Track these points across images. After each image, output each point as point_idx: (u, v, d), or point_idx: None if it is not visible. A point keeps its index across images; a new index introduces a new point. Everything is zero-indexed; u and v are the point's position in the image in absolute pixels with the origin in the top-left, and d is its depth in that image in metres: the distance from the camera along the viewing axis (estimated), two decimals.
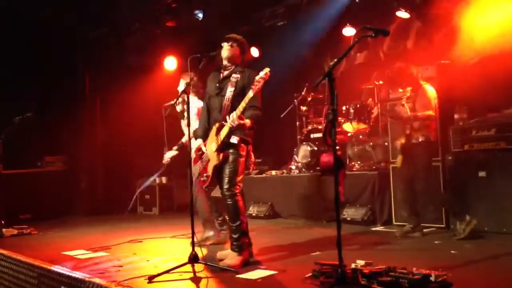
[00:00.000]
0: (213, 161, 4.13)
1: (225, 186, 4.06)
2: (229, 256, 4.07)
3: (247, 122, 3.98)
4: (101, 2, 7.87)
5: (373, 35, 3.24)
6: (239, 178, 4.10)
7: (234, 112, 3.93)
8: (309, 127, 7.65)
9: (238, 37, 4.27)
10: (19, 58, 8.22)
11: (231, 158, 4.08)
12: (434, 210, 5.37)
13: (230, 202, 4.06)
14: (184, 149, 5.39)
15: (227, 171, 4.06)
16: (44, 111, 7.46)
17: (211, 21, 8.38)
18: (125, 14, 8.39)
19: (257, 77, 3.88)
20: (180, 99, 4.92)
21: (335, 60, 3.21)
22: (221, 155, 4.07)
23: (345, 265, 3.09)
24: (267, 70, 3.90)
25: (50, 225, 7.10)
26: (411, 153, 5.12)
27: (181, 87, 5.26)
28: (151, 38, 9.06)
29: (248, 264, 4.05)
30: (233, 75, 4.16)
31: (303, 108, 7.87)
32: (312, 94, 7.81)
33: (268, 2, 8.32)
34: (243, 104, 3.92)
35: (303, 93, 7.84)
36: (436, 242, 4.85)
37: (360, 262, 3.46)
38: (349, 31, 7.77)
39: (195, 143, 4.35)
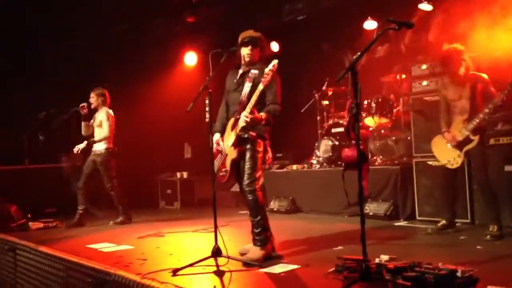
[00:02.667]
0: (231, 155, 4.15)
1: (245, 182, 4.07)
2: (251, 250, 4.09)
3: (261, 115, 3.97)
4: None
5: (396, 27, 3.21)
6: (258, 173, 4.11)
7: (247, 107, 3.95)
8: (330, 122, 7.61)
9: (256, 38, 4.24)
10: (45, 54, 8.35)
11: (248, 154, 4.09)
12: (460, 205, 5.28)
13: (251, 198, 4.07)
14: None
15: (245, 167, 4.08)
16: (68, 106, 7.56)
17: (231, 16, 8.39)
18: (145, 10, 8.44)
19: (266, 70, 3.88)
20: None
21: (358, 53, 3.18)
22: (237, 149, 4.09)
23: (369, 260, 3.08)
24: (274, 62, 3.90)
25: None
26: (485, 154, 4.79)
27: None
28: (171, 34, 9.11)
29: (271, 258, 4.06)
30: (252, 71, 4.17)
31: (324, 102, 7.83)
32: (333, 88, 7.77)
33: None
34: (254, 98, 3.92)
35: (324, 87, 7.81)
36: (462, 237, 4.79)
37: (384, 257, 3.44)
38: (370, 24, 7.70)
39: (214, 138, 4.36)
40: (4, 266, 5.44)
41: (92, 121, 6.85)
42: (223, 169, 4.24)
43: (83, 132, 6.85)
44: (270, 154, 4.25)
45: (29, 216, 6.49)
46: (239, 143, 4.10)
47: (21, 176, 7.59)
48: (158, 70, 9.08)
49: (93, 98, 6.81)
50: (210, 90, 3.99)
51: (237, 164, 4.17)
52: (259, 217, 4.09)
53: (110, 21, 8.50)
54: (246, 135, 4.06)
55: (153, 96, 8.85)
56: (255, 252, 4.04)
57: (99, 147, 6.70)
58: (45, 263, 4.53)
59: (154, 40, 9.26)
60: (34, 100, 8.22)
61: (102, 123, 6.71)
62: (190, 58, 9.33)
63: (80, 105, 6.67)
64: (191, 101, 4.00)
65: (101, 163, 6.64)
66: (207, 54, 4.16)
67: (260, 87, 3.88)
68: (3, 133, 7.98)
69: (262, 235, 4.08)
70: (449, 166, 4.85)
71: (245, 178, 4.07)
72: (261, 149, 4.13)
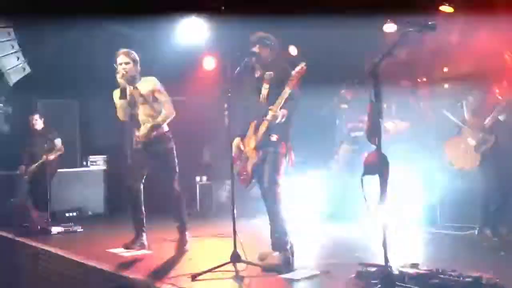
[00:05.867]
0: (252, 159, 4.11)
1: (267, 186, 4.01)
2: (271, 256, 4.04)
3: (284, 112, 3.92)
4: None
5: (419, 30, 3.16)
6: (280, 176, 4.04)
7: (272, 106, 3.89)
8: (350, 126, 7.53)
9: (264, 37, 4.20)
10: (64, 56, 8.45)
11: (271, 156, 4.03)
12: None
13: (272, 201, 4.00)
14: None
15: (267, 170, 4.02)
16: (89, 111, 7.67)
17: (250, 20, 8.38)
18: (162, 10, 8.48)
19: (292, 72, 3.84)
20: None
21: (380, 56, 3.14)
22: (260, 152, 4.04)
23: (390, 266, 3.02)
24: (302, 64, 3.87)
25: (95, 222, 7.27)
26: None
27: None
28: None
29: (290, 263, 4.00)
30: (267, 72, 4.12)
31: (343, 106, 7.76)
32: (352, 91, 7.70)
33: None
34: (280, 101, 3.88)
35: (343, 90, 7.74)
36: (485, 244, 4.68)
37: (406, 264, 3.38)
38: (389, 27, 7.62)
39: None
40: (25, 270, 5.50)
41: None
42: (244, 173, 4.20)
43: None
44: (293, 157, 4.17)
45: (49, 220, 6.56)
46: (262, 145, 4.06)
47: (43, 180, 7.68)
48: (176, 73, 9.10)
49: None
50: (229, 94, 3.98)
51: (258, 168, 4.11)
52: (279, 221, 4.03)
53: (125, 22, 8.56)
54: (270, 138, 4.01)
55: (172, 100, 8.88)
56: (275, 257, 3.98)
57: None
58: (65, 267, 4.57)
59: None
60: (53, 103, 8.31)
61: None
62: (209, 63, 9.34)
63: None
64: (209, 105, 3.99)
65: None
66: (226, 58, 4.16)
67: (287, 90, 3.85)
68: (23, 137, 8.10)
69: (282, 240, 4.03)
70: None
71: (266, 181, 4.00)
72: (284, 151, 4.06)
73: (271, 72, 4.08)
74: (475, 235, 4.84)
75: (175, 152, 5.11)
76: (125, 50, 4.88)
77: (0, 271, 6.20)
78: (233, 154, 4.25)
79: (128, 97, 4.84)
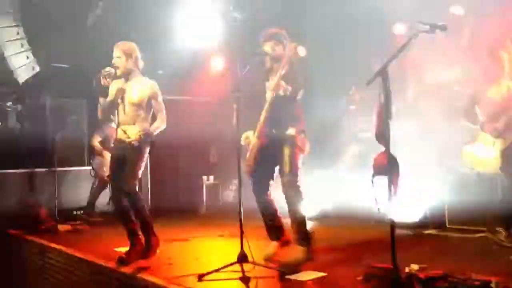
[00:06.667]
0: (257, 145, 4.05)
1: (288, 178, 3.97)
2: (295, 250, 3.98)
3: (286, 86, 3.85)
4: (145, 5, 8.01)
5: (429, 30, 3.13)
6: (299, 169, 4.02)
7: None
8: (358, 126, 7.51)
9: (275, 33, 4.18)
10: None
11: (288, 150, 4.00)
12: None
13: (294, 193, 3.98)
14: None
15: (286, 163, 3.98)
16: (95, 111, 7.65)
17: (258, 21, 8.37)
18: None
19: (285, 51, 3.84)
20: None
21: (390, 57, 3.12)
22: (264, 138, 4.00)
23: (398, 269, 3.00)
24: (294, 44, 3.89)
25: (102, 221, 7.28)
26: None
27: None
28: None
29: (310, 259, 3.94)
30: (275, 64, 4.11)
31: (352, 107, 7.74)
32: (360, 92, 7.67)
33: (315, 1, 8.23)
34: (278, 76, 3.83)
35: (351, 91, 7.72)
36: (494, 247, 4.63)
37: (415, 267, 3.35)
38: (399, 28, 7.58)
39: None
40: (33, 268, 5.52)
41: None
42: (248, 163, 4.13)
43: None
44: (307, 148, 4.13)
45: (57, 219, 6.59)
46: (266, 131, 3.99)
47: (50, 178, 7.72)
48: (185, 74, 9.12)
49: None
50: (239, 95, 3.97)
51: (275, 161, 4.06)
52: (301, 214, 3.99)
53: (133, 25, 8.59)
54: (288, 132, 3.98)
55: (178, 100, 8.89)
56: (299, 251, 3.93)
57: None
58: (73, 266, 4.58)
59: None
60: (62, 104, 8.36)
61: None
62: (217, 63, 9.35)
63: None
64: (217, 105, 3.99)
65: None
66: (234, 58, 4.16)
67: (283, 68, 3.84)
68: (33, 135, 8.14)
69: (307, 233, 4.00)
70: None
71: (288, 174, 3.96)
72: (300, 143, 4.04)
73: (279, 64, 4.01)
74: (485, 238, 4.80)
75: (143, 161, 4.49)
76: (119, 42, 4.45)
77: (8, 269, 6.24)
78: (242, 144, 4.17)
79: (114, 93, 4.43)
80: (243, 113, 3.99)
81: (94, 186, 7.38)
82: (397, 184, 3.23)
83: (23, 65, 7.31)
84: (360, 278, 3.40)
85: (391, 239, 2.94)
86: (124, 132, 4.37)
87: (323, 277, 3.64)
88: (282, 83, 3.84)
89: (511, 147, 4.56)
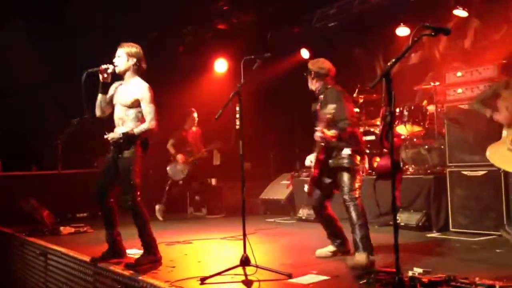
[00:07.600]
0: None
1: (345, 193, 4.27)
2: (358, 256, 4.11)
3: (331, 133, 4.11)
4: (152, 5, 8.03)
5: (432, 33, 3.12)
6: (357, 184, 4.26)
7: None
8: (361, 130, 7.49)
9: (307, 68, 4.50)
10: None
11: (347, 167, 4.25)
12: (495, 217, 5.10)
13: (353, 206, 4.25)
14: None
15: (345, 179, 4.27)
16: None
17: (262, 23, 8.39)
18: (176, 17, 8.52)
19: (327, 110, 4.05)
20: None
21: (393, 60, 3.11)
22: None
23: (402, 273, 2.98)
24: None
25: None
26: None
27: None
28: (202, 41, 9.16)
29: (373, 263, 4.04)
30: (320, 96, 4.48)
31: (355, 110, 7.72)
32: (364, 95, 7.66)
33: (319, 3, 8.24)
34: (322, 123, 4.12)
35: (354, 94, 7.70)
36: (498, 250, 4.61)
37: (418, 270, 3.34)
38: (403, 31, 7.57)
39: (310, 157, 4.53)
40: (35, 270, 5.52)
41: None
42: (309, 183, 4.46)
43: None
44: (366, 166, 4.52)
45: (58, 220, 6.58)
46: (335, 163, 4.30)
47: (54, 181, 7.73)
48: (189, 76, 9.13)
49: None
50: (241, 97, 3.97)
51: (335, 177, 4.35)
52: (362, 221, 4.25)
53: (141, 28, 8.61)
54: (344, 153, 4.25)
55: (183, 102, 8.90)
56: (363, 256, 4.07)
57: None
58: (75, 268, 4.58)
59: (184, 47, 9.33)
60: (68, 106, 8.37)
61: None
62: (221, 65, 9.36)
63: None
64: (220, 108, 3.99)
65: None
66: (237, 61, 4.15)
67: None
68: (37, 138, 8.17)
69: (366, 239, 4.21)
70: None
71: (346, 189, 4.26)
72: (358, 162, 4.29)
73: (322, 95, 4.44)
74: (493, 240, 4.77)
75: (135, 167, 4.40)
76: (124, 43, 4.44)
77: (11, 270, 6.25)
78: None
79: (113, 91, 4.48)
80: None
81: (167, 188, 8.06)
82: (399, 188, 3.22)
83: None
84: (363, 282, 3.39)
85: (395, 242, 2.92)
86: (115, 132, 4.38)
87: (325, 280, 3.62)
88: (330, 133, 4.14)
89: None
